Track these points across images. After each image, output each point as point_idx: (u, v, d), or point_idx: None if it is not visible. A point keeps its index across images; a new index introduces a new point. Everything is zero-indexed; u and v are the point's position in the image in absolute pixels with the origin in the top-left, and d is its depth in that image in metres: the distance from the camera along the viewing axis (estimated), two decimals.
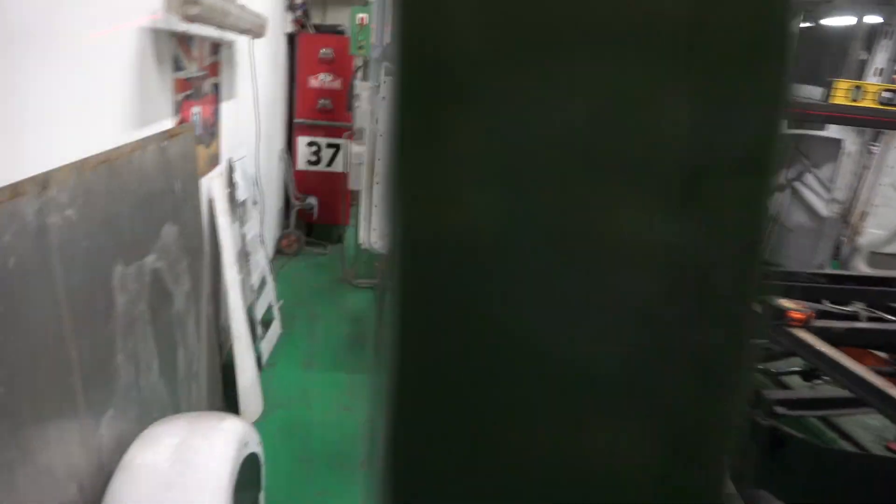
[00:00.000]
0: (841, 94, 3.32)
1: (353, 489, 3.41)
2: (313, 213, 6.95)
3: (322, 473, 3.48)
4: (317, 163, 7.14)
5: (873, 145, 4.11)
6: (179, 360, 2.93)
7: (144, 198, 2.53)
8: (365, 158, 3.56)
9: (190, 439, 2.17)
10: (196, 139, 3.31)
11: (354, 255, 6.36)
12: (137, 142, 2.49)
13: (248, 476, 2.45)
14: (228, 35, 3.84)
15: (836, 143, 4.22)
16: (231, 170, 4.14)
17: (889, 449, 3.84)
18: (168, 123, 2.98)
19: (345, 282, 6.31)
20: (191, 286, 3.11)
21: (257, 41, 4.53)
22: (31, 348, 1.68)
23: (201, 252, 3.34)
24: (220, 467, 2.13)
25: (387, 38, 3.30)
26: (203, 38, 3.42)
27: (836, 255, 4.38)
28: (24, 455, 1.63)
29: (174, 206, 2.88)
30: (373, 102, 3.42)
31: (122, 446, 2.22)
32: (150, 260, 2.58)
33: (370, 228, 3.59)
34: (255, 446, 2.53)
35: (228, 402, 3.83)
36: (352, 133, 6.16)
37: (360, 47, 5.62)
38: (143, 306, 2.50)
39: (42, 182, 1.77)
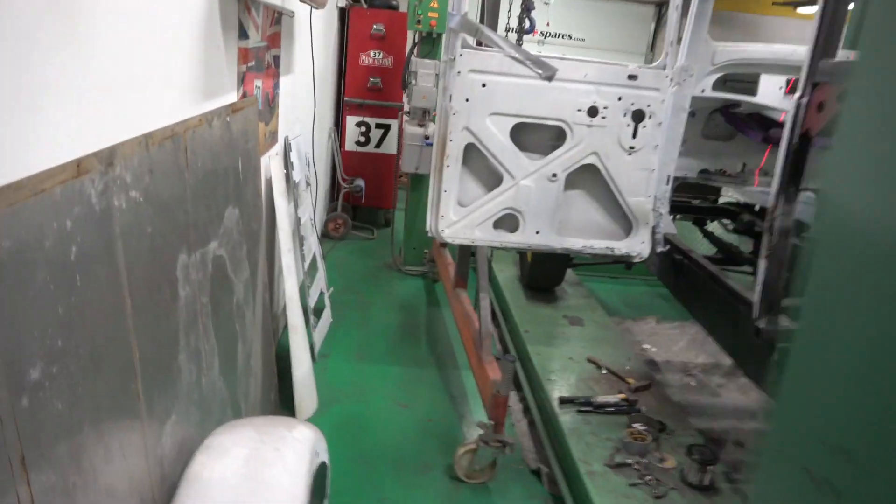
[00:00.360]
0: None
1: (416, 494, 3.17)
2: (361, 196, 6.71)
3: (383, 477, 3.25)
4: (365, 143, 6.88)
5: None
6: (238, 355, 2.70)
7: (208, 178, 2.28)
8: (435, 139, 3.28)
9: (260, 451, 1.94)
10: (258, 114, 3.06)
11: (403, 241, 6.12)
12: (202, 116, 2.24)
13: (316, 486, 2.21)
14: (291, 3, 3.58)
15: None
16: (287, 149, 3.89)
17: None
18: (232, 96, 2.73)
19: (393, 268, 6.07)
20: (249, 273, 2.88)
21: (316, 13, 4.26)
22: (93, 353, 1.44)
23: (259, 236, 3.11)
24: (293, 484, 1.89)
25: (465, 6, 3.00)
26: (267, 5, 3.16)
27: None
28: (85, 477, 1.40)
29: (236, 187, 2.64)
30: (446, 77, 3.13)
31: (184, 454, 2.00)
32: (213, 247, 2.34)
33: (438, 215, 3.31)
34: (324, 454, 2.30)
35: (281, 395, 3.61)
36: (405, 113, 5.89)
37: (419, 22, 5.34)
38: (206, 298, 2.26)
39: (107, 158, 1.52)
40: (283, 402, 3.60)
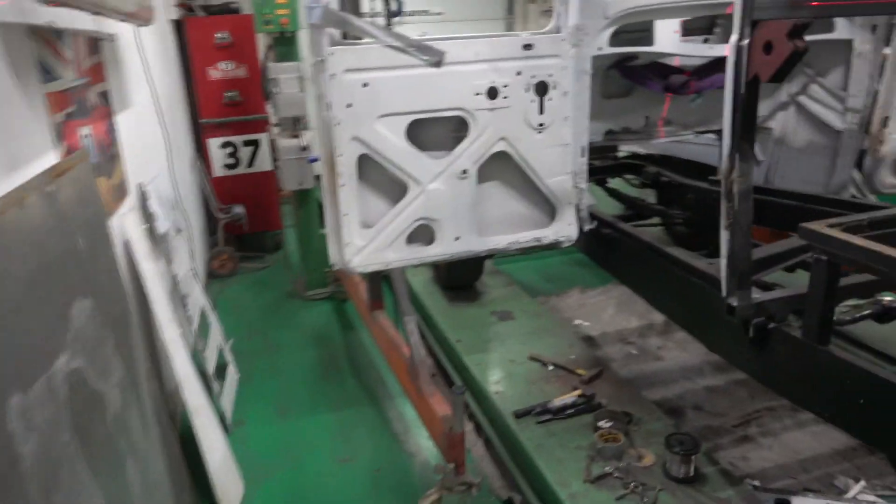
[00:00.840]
0: None
1: None
2: (243, 224, 6.04)
3: None
4: (235, 165, 6.21)
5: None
6: (131, 478, 2.12)
7: (36, 276, 1.69)
8: (322, 155, 2.77)
9: None
10: (94, 169, 2.43)
11: (300, 263, 5.54)
12: (8, 196, 1.64)
13: None
14: (108, 25, 2.93)
15: (844, 46, 3.74)
16: (145, 198, 3.25)
17: None
18: (50, 158, 2.10)
19: (295, 296, 5.49)
20: (124, 370, 2.28)
21: (144, 30, 3.59)
22: None
23: (128, 318, 2.50)
24: None
25: None
26: (76, 32, 2.52)
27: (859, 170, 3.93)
28: None
29: (82, 272, 2.04)
30: (319, 83, 2.62)
31: None
32: (63, 362, 1.75)
33: (341, 244, 2.82)
34: None
35: (199, 486, 3.03)
36: (275, 125, 5.29)
37: (268, 23, 4.73)
38: (67, 434, 1.68)
39: None
40: (203, 495, 3.02)
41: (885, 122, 3.75)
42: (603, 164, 5.15)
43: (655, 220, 5.08)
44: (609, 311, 5.16)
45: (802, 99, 3.93)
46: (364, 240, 2.84)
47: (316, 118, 2.77)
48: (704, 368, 4.21)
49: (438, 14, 10.24)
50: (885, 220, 2.12)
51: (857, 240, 1.85)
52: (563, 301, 5.34)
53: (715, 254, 3.55)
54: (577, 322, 4.92)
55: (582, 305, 5.29)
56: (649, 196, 5.21)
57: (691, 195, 4.44)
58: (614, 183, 5.44)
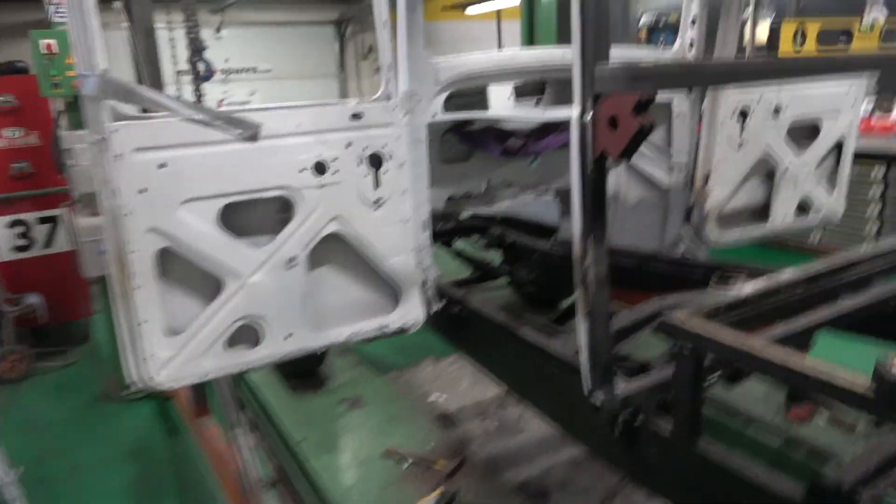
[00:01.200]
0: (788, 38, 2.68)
1: None
2: (37, 316, 5.16)
3: None
4: (28, 247, 5.34)
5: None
6: None
7: None
8: (110, 251, 2.26)
9: None
10: None
11: (113, 356, 4.76)
12: None
13: None
14: None
15: (665, 107, 3.84)
16: None
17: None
18: None
19: (107, 398, 4.69)
20: None
21: None
22: None
23: None
24: None
25: (101, 61, 2.04)
26: None
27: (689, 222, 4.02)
28: None
29: None
30: (102, 165, 2.13)
31: None
32: None
33: (139, 358, 2.29)
34: None
35: None
36: (74, 202, 4.56)
37: (56, 85, 4.10)
38: None
39: None
40: None
41: (707, 178, 3.87)
42: (445, 226, 4.98)
43: (504, 279, 4.97)
44: (465, 381, 4.91)
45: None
46: (171, 349, 2.34)
47: (102, 207, 2.26)
48: (566, 436, 4.05)
49: (267, 71, 9.85)
50: (739, 302, 2.00)
51: (725, 333, 1.69)
52: (417, 375, 5.02)
53: (563, 318, 3.43)
54: (432, 398, 4.61)
55: (437, 378, 5.00)
56: (495, 256, 5.10)
57: (536, 255, 4.35)
58: (459, 244, 5.29)
